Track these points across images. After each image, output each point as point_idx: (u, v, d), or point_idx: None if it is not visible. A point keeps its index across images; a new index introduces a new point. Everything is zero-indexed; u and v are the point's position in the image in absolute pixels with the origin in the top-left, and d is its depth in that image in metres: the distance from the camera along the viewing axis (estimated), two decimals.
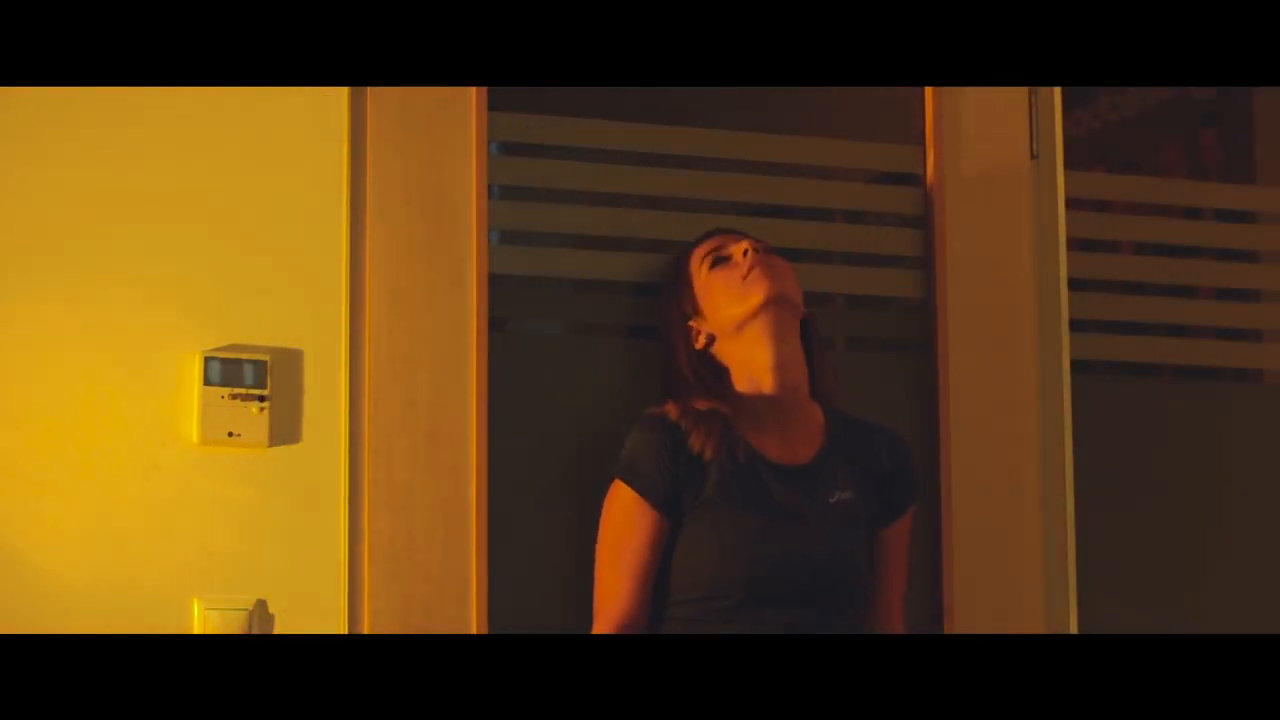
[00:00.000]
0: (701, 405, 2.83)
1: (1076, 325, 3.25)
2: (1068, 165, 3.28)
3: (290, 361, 2.84)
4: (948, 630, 3.11)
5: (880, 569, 2.91)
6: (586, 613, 2.82)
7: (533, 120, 3.06)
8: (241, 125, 2.86)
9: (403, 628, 2.83)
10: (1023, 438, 3.18)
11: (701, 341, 2.90)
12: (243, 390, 2.79)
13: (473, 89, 2.96)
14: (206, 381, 2.78)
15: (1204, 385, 3.46)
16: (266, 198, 2.86)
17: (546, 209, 3.07)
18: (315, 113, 2.89)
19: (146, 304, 2.79)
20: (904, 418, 3.12)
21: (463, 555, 2.88)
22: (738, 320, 2.86)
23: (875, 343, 3.32)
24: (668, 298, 2.94)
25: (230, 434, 2.78)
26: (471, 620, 2.87)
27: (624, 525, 2.80)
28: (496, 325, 2.98)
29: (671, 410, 2.84)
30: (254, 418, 2.79)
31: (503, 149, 3.06)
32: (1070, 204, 3.27)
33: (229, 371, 2.79)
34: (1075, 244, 3.29)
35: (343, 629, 2.81)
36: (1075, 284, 3.26)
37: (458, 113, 2.96)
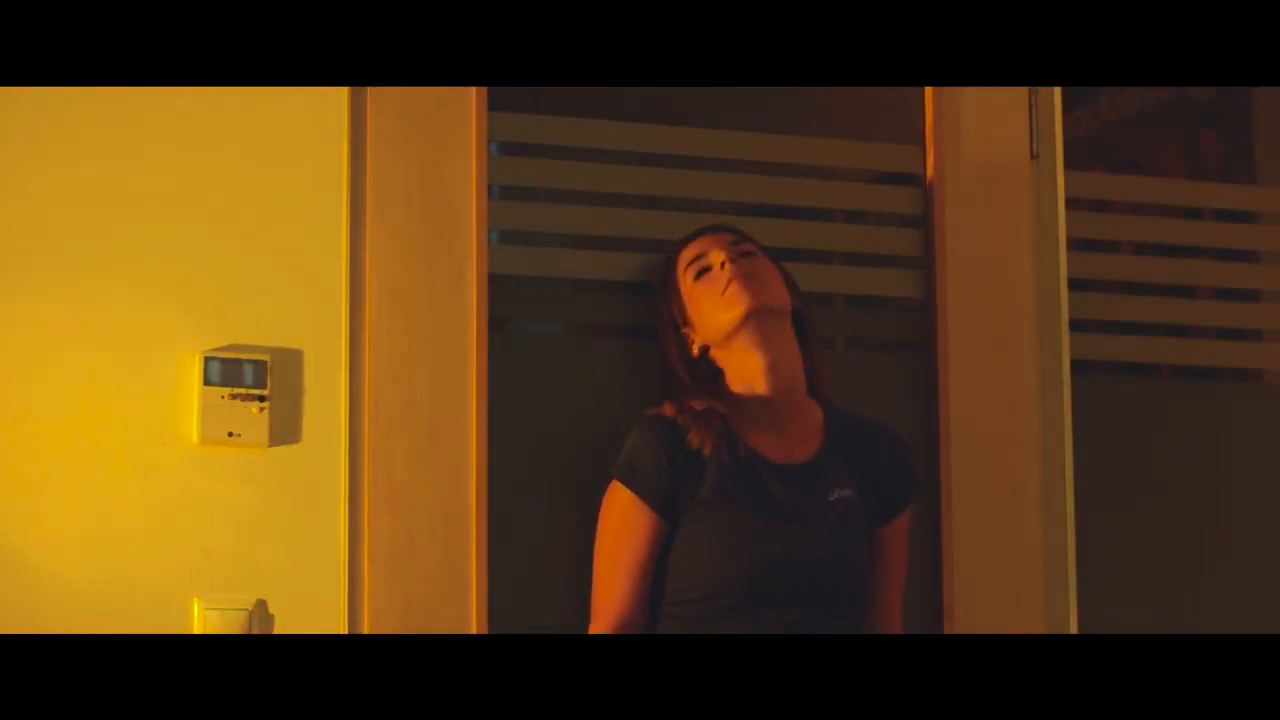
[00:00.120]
0: (699, 405, 2.83)
1: (1076, 325, 3.25)
2: (1068, 165, 3.28)
3: (290, 361, 2.84)
4: (948, 630, 3.11)
5: (879, 566, 2.91)
6: (586, 613, 2.82)
7: (533, 120, 3.06)
8: (241, 125, 2.86)
9: (403, 628, 2.83)
10: (1023, 438, 3.18)
11: (696, 350, 2.90)
12: (243, 390, 2.79)
13: (473, 89, 2.96)
14: (206, 381, 2.78)
15: (1204, 385, 3.46)
16: (266, 198, 2.86)
17: (546, 209, 3.07)
18: (315, 113, 2.89)
19: (146, 304, 2.79)
20: (904, 418, 3.11)
21: (463, 555, 2.88)
22: (723, 332, 2.87)
23: (875, 343, 3.32)
24: (659, 302, 2.94)
25: (230, 434, 2.78)
26: (471, 620, 2.87)
27: (622, 526, 2.80)
28: (496, 325, 2.98)
29: (669, 409, 2.84)
30: (254, 418, 2.79)
31: (503, 149, 3.06)
32: (1070, 204, 3.27)
33: (229, 371, 2.79)
34: (1075, 244, 3.29)
35: (343, 629, 2.81)
36: (1075, 284, 3.26)
37: (458, 113, 2.96)
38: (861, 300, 3.28)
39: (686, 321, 2.91)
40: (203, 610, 2.76)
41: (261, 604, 2.79)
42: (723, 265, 2.86)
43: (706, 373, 2.89)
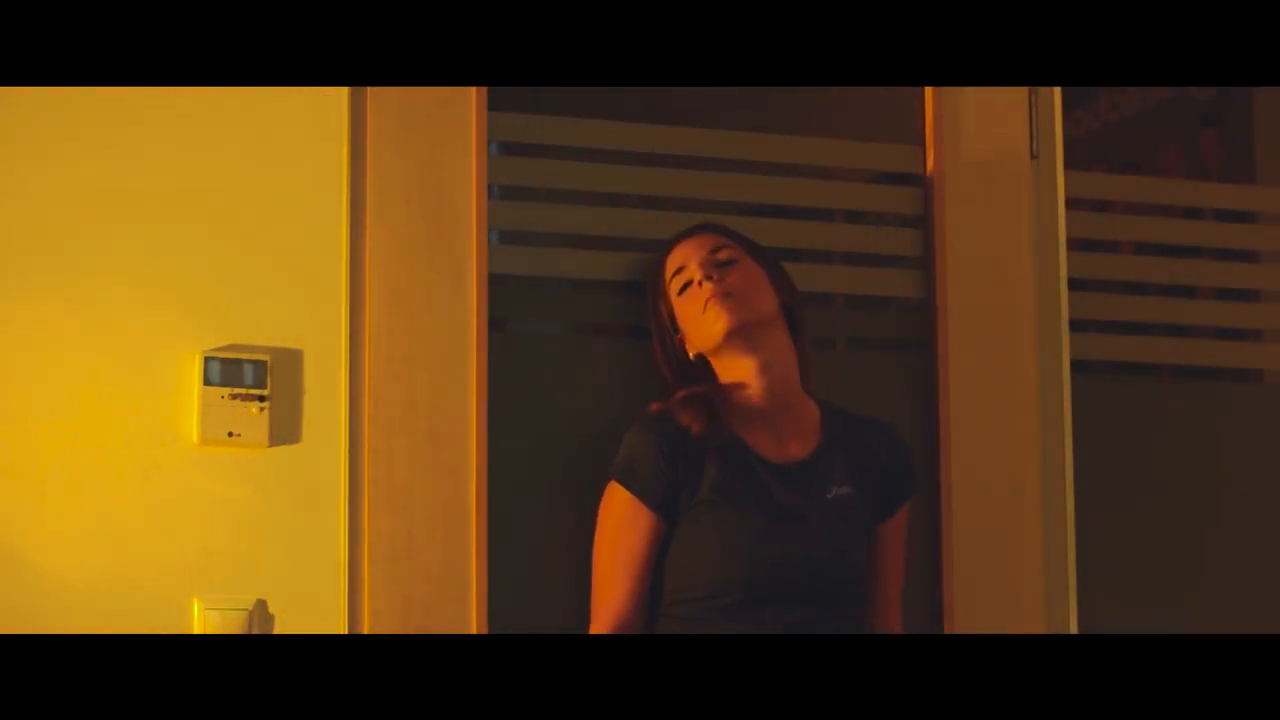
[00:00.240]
0: (688, 391, 2.84)
1: (1076, 325, 3.25)
2: (1068, 165, 3.28)
3: (290, 361, 2.84)
4: (948, 630, 3.11)
5: (878, 564, 2.91)
6: (586, 613, 2.82)
7: (533, 120, 3.06)
8: (241, 125, 2.86)
9: (403, 628, 2.83)
10: (1023, 438, 3.18)
11: (691, 354, 2.90)
12: (243, 390, 2.79)
13: (473, 89, 2.96)
14: (206, 381, 2.78)
15: (1204, 385, 3.46)
16: (266, 198, 2.86)
17: (546, 209, 3.07)
18: (315, 113, 2.89)
19: (146, 304, 2.79)
20: (904, 417, 3.11)
21: (463, 555, 2.88)
22: (709, 346, 2.87)
23: (875, 343, 3.32)
24: (650, 304, 2.94)
25: (230, 434, 2.78)
26: (471, 620, 2.87)
27: (621, 527, 2.80)
28: (496, 325, 2.98)
29: (660, 405, 2.84)
30: (254, 418, 2.79)
31: (503, 149, 3.06)
32: (1070, 204, 3.27)
33: (229, 371, 2.79)
34: (1075, 244, 3.29)
35: (343, 629, 2.81)
36: (1075, 284, 3.26)
37: (458, 113, 2.96)
38: (861, 300, 3.28)
39: (678, 328, 2.91)
40: (203, 610, 2.76)
41: (261, 604, 2.79)
42: (700, 284, 2.86)
43: (701, 374, 2.90)
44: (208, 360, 2.78)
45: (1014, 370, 3.20)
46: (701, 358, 2.90)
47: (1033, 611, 3.15)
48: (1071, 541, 3.18)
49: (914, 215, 3.24)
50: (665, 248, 2.94)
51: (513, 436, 2.95)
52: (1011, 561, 3.16)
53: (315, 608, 2.81)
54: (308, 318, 2.86)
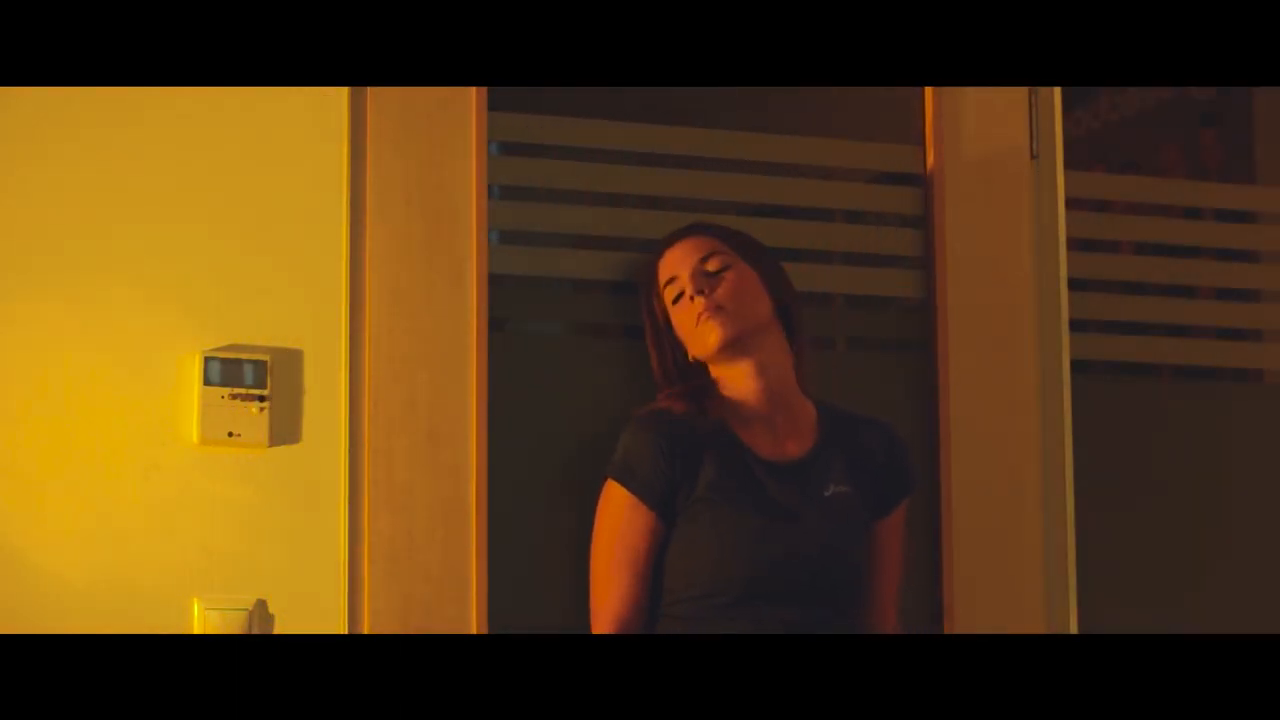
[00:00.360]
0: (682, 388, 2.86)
1: (1076, 325, 3.25)
2: (1068, 165, 3.28)
3: (290, 361, 2.84)
4: (948, 630, 3.11)
5: (875, 563, 2.91)
6: (587, 613, 2.82)
7: (533, 120, 3.06)
8: (241, 125, 2.86)
9: (403, 628, 2.83)
10: (1023, 438, 3.18)
11: (691, 358, 2.91)
12: (243, 390, 2.79)
13: (473, 89, 2.96)
14: (206, 381, 2.78)
15: (1204, 385, 3.46)
16: (266, 198, 2.86)
17: (546, 209, 3.07)
18: (315, 113, 2.89)
19: (146, 304, 2.79)
20: (904, 418, 3.11)
21: (463, 555, 2.88)
22: (704, 355, 2.88)
23: (875, 343, 3.32)
24: (645, 305, 2.94)
25: (230, 434, 2.78)
26: (471, 620, 2.87)
27: (620, 525, 2.80)
28: (496, 325, 2.98)
29: (654, 404, 2.85)
30: (254, 418, 2.79)
31: (503, 149, 3.06)
32: (1070, 204, 3.27)
33: (229, 371, 2.79)
34: (1075, 244, 3.29)
35: (343, 629, 2.82)
36: (1075, 284, 3.26)
37: (458, 113, 2.96)
38: (861, 300, 3.28)
39: (673, 330, 2.91)
40: (203, 610, 2.76)
41: (261, 604, 2.79)
42: (691, 299, 2.86)
43: (698, 375, 2.90)
44: (208, 360, 2.78)
45: (1014, 370, 3.20)
46: (699, 361, 2.91)
47: (1033, 611, 3.15)
48: (1071, 541, 3.18)
49: (914, 215, 3.24)
50: (657, 250, 2.94)
51: (513, 436, 2.95)
52: (1011, 561, 3.16)
53: (315, 608, 2.81)
54: (308, 318, 2.86)
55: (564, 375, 3.03)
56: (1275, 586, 3.35)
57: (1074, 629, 3.17)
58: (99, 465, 2.74)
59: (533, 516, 2.96)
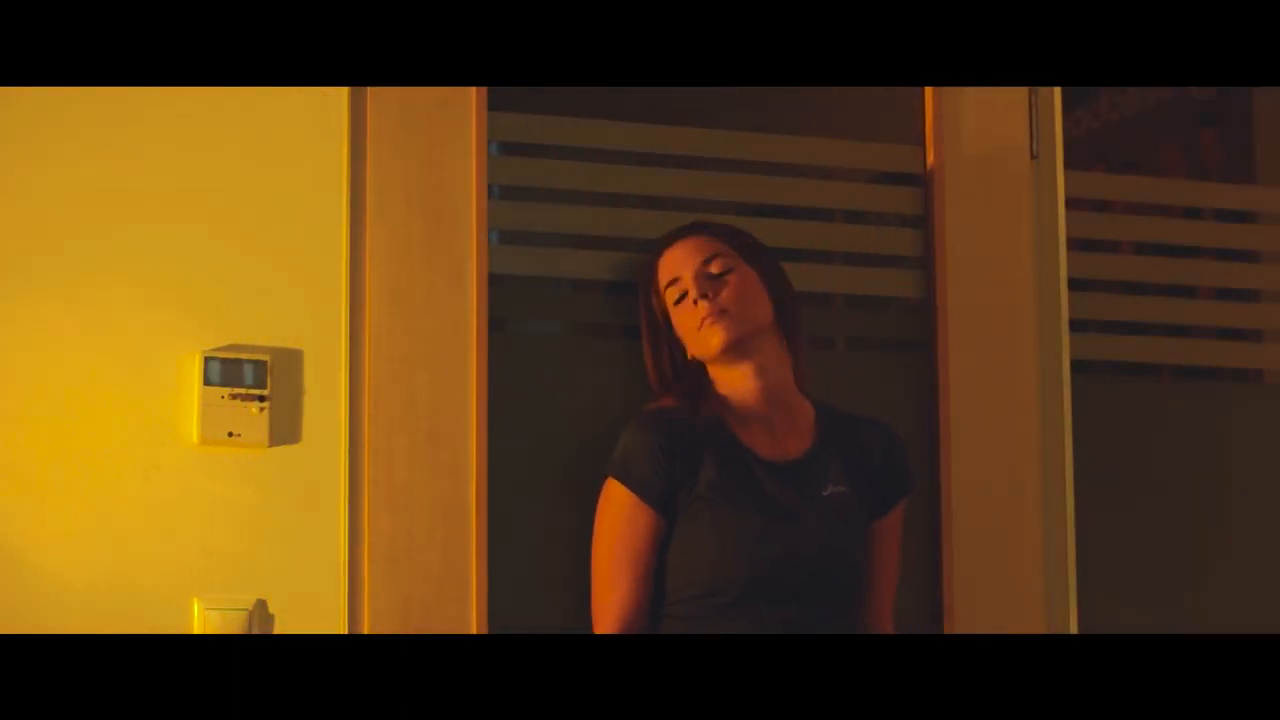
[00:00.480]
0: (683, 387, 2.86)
1: (1076, 325, 3.26)
2: (1068, 165, 3.28)
3: (290, 361, 2.84)
4: (948, 630, 3.11)
5: (872, 562, 2.91)
6: (587, 613, 2.82)
7: (533, 120, 3.07)
8: (241, 125, 2.86)
9: (403, 628, 2.83)
10: (1023, 438, 3.18)
11: (689, 358, 2.91)
12: (243, 390, 2.79)
13: (473, 89, 2.96)
14: (206, 381, 2.78)
15: (1204, 385, 3.46)
16: (266, 198, 2.86)
17: (546, 209, 3.07)
18: (315, 113, 2.89)
19: (146, 304, 2.79)
20: (904, 418, 3.11)
21: (463, 555, 2.88)
22: (706, 358, 2.88)
23: (875, 343, 3.32)
24: (644, 305, 2.94)
25: (230, 434, 2.78)
26: (471, 620, 2.87)
27: (620, 524, 2.80)
28: (496, 325, 2.98)
29: (654, 404, 2.85)
30: (254, 418, 2.79)
31: (503, 149, 3.06)
32: (1070, 204, 3.27)
33: (229, 371, 2.79)
34: (1075, 244, 3.29)
35: (343, 629, 2.82)
36: (1075, 284, 3.26)
37: (458, 113, 2.96)
38: (861, 300, 3.28)
39: (673, 328, 2.91)
40: (203, 610, 2.76)
41: (261, 604, 2.79)
42: (695, 303, 2.85)
43: (694, 374, 2.90)
44: (208, 360, 2.78)
45: (1014, 370, 3.20)
46: (697, 361, 2.91)
47: (1033, 611, 3.15)
48: (1071, 541, 3.19)
49: (914, 215, 3.24)
50: (657, 249, 2.94)
51: (513, 436, 2.95)
52: (1011, 561, 3.16)
53: (315, 608, 2.81)
54: (308, 318, 2.86)
55: (564, 375, 3.03)
56: (1275, 586, 3.35)
57: (1074, 629, 3.17)
58: (99, 465, 2.74)
59: (533, 516, 2.96)
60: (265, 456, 2.81)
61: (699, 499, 2.80)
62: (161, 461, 2.77)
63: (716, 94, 3.10)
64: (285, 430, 2.82)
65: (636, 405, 2.90)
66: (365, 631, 2.82)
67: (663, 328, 2.92)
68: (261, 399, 2.80)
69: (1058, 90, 3.28)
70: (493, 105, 2.99)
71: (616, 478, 2.81)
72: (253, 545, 2.79)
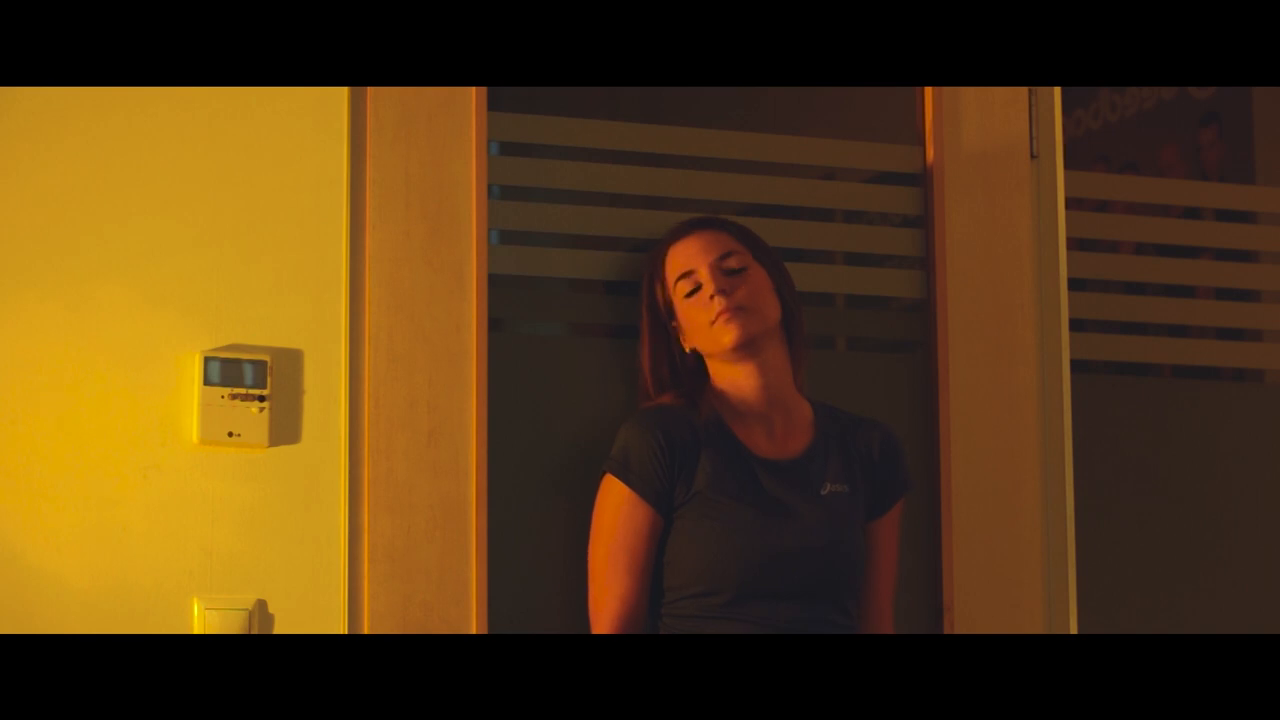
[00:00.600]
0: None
1: (1076, 325, 3.25)
2: (1068, 165, 3.28)
3: (290, 361, 2.84)
4: (948, 630, 3.11)
5: (871, 560, 2.91)
6: (586, 613, 2.82)
7: (533, 120, 3.06)
8: (241, 125, 2.86)
9: (403, 628, 2.83)
10: (1023, 438, 3.18)
11: (687, 349, 2.90)
12: (243, 390, 2.79)
13: (473, 89, 2.96)
14: (206, 381, 2.78)
15: (1204, 385, 3.46)
16: (266, 198, 2.86)
17: (546, 209, 3.07)
18: (315, 113, 2.89)
19: (146, 304, 2.79)
20: (904, 418, 3.12)
21: (463, 555, 2.88)
22: (711, 352, 2.87)
23: (875, 343, 3.32)
24: (646, 293, 2.93)
25: (230, 434, 2.78)
26: (471, 620, 2.87)
27: (618, 521, 2.80)
28: (496, 325, 2.98)
29: (652, 400, 2.86)
30: (254, 418, 2.79)
31: (503, 149, 3.06)
32: (1070, 204, 3.27)
33: (229, 371, 2.79)
34: (1075, 244, 3.29)
35: (343, 629, 2.81)
36: (1075, 284, 3.26)
37: (458, 113, 2.96)
38: (861, 300, 3.28)
39: (676, 321, 2.91)
40: (203, 610, 2.76)
41: (261, 604, 2.79)
42: (712, 297, 2.85)
43: (693, 369, 2.90)
44: (208, 360, 2.78)
45: (1014, 370, 3.20)
46: (696, 353, 2.90)
47: (1033, 611, 3.15)
48: (1071, 541, 3.18)
49: (914, 215, 3.24)
50: (666, 241, 2.93)
51: (512, 436, 2.95)
52: (1011, 561, 3.16)
53: (315, 608, 2.81)
54: (308, 318, 2.86)
55: (563, 375, 3.03)
56: (1275, 586, 3.35)
57: (1074, 629, 3.17)
58: (99, 465, 2.74)
59: (532, 516, 2.96)
60: (265, 456, 2.81)
61: (697, 496, 2.80)
62: (161, 461, 2.77)
63: (716, 94, 3.10)
64: (285, 430, 2.82)
65: (636, 405, 2.90)
66: (365, 631, 2.82)
67: (664, 322, 2.91)
68: (261, 399, 2.80)
69: (1058, 90, 3.28)
70: (493, 105, 2.99)
71: (615, 474, 2.81)
72: (253, 545, 2.79)
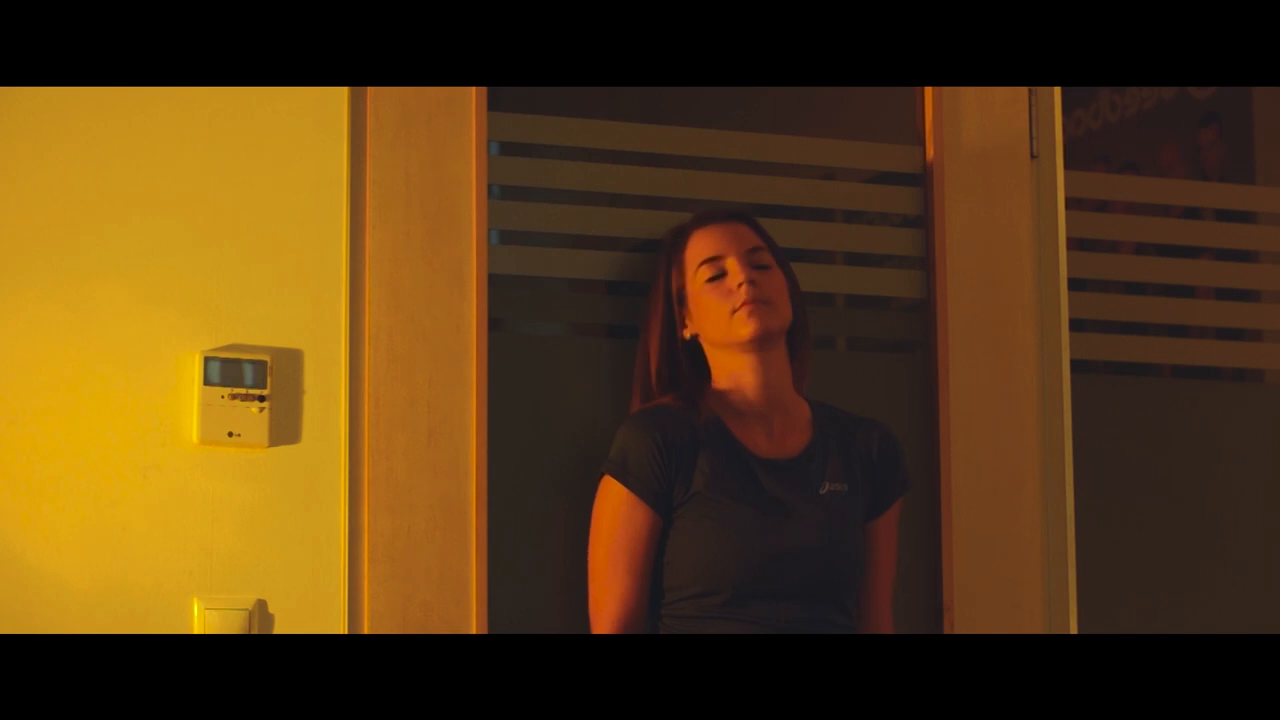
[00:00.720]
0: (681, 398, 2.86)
1: (1076, 325, 3.26)
2: (1068, 165, 3.28)
3: (290, 361, 2.84)
4: (948, 630, 3.11)
5: (870, 560, 2.91)
6: (586, 613, 2.82)
7: (533, 120, 3.07)
8: (242, 125, 2.86)
9: (403, 628, 2.83)
10: (1023, 438, 3.18)
11: (688, 334, 2.90)
12: (243, 390, 2.79)
13: (473, 89, 2.96)
14: (206, 381, 2.78)
15: (1204, 385, 3.46)
16: (266, 198, 2.86)
17: (546, 209, 3.07)
18: (315, 113, 2.89)
19: (146, 304, 2.79)
20: (904, 418, 3.12)
21: (463, 555, 2.88)
22: (721, 343, 2.87)
23: (875, 343, 3.32)
24: (662, 273, 2.92)
25: (230, 434, 2.78)
26: (471, 620, 2.87)
27: (617, 522, 2.80)
28: (496, 325, 2.98)
29: (651, 401, 2.85)
30: (254, 418, 2.79)
31: (503, 149, 3.06)
32: (1070, 204, 3.28)
33: (229, 371, 2.79)
34: (1075, 244, 3.29)
35: (343, 629, 2.82)
36: (1075, 284, 3.26)
37: (458, 113, 2.96)
38: (861, 300, 3.28)
39: (686, 309, 2.90)
40: (203, 610, 2.76)
41: (261, 604, 2.79)
42: (740, 286, 2.85)
43: (691, 364, 2.89)
44: (208, 360, 2.78)
45: (1014, 370, 3.20)
46: (695, 341, 2.89)
47: (1033, 611, 3.15)
48: (1071, 541, 3.18)
49: (914, 215, 3.24)
50: (691, 225, 2.91)
51: (512, 436, 2.95)
52: (1011, 561, 3.16)
53: (315, 608, 2.81)
54: (308, 318, 2.86)
55: (564, 375, 3.03)
56: (1275, 586, 3.35)
57: (1074, 629, 3.17)
58: (99, 465, 2.74)
59: (532, 516, 2.97)
60: (265, 456, 2.81)
61: (696, 496, 2.80)
62: (161, 461, 2.77)
63: (716, 94, 3.10)
64: (285, 430, 2.82)
65: (629, 405, 2.90)
66: (365, 631, 2.82)
67: (675, 301, 2.89)
68: (261, 399, 2.80)
69: (1058, 90, 3.28)
70: (493, 105, 2.99)
71: (613, 475, 2.81)
72: (253, 545, 2.79)
